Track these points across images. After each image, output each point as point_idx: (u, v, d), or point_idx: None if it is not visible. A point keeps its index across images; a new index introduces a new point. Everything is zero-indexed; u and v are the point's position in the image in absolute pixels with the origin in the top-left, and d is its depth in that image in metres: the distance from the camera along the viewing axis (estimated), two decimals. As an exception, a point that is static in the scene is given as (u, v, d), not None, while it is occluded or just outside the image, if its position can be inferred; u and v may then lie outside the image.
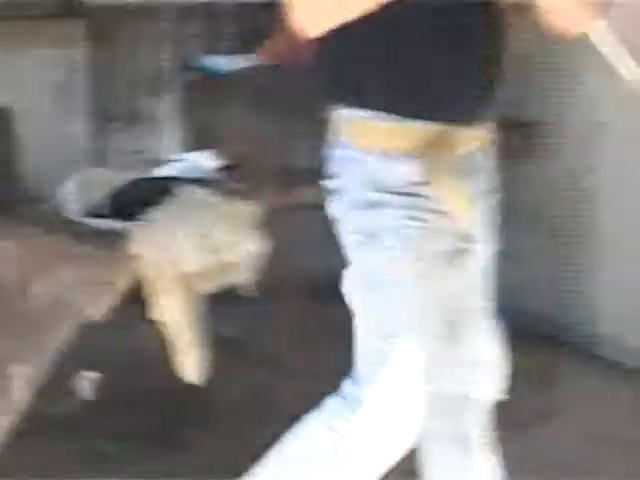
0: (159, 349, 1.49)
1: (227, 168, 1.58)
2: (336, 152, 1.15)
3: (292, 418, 1.09)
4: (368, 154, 1.10)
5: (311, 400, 1.08)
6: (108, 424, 1.64)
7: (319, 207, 1.68)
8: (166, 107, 1.99)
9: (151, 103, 2.01)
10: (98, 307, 1.37)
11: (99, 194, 1.58)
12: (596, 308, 1.99)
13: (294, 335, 1.60)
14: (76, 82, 2.13)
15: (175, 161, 1.64)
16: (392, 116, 1.09)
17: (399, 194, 1.11)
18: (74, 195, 1.58)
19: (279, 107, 1.54)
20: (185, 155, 1.65)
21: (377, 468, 1.11)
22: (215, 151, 1.59)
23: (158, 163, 1.61)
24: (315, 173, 1.66)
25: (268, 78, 1.59)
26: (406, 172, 1.09)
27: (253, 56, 1.70)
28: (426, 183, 1.08)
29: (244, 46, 1.78)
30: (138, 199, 1.56)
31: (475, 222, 1.11)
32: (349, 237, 1.14)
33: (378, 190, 1.12)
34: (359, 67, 1.06)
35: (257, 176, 1.56)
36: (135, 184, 1.60)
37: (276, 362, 1.75)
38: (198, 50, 1.88)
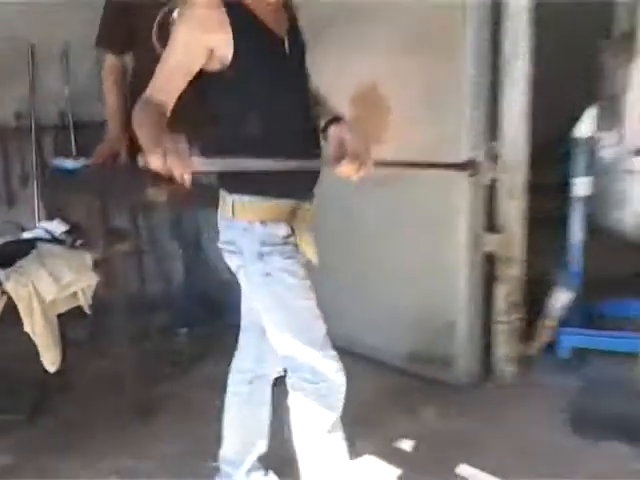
0: (30, 348, 2.19)
1: (71, 230, 2.39)
2: (228, 225, 1.69)
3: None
4: (253, 223, 1.65)
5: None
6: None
7: (134, 254, 2.52)
8: (32, 192, 2.84)
9: (23, 190, 2.87)
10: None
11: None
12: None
13: (122, 337, 2.44)
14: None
15: (37, 228, 2.44)
16: (267, 198, 1.64)
17: (279, 245, 1.67)
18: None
19: (104, 191, 2.39)
20: (44, 223, 2.45)
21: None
22: (63, 220, 2.42)
23: (25, 229, 2.42)
24: (130, 232, 2.51)
25: (97, 173, 2.46)
26: (280, 232, 1.66)
27: (89, 159, 2.57)
28: (291, 236, 1.68)
29: (83, 152, 2.66)
30: (12, 253, 2.35)
31: (312, 254, 1.73)
32: (251, 279, 1.69)
33: (265, 245, 1.66)
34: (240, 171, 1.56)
35: (90, 235, 2.38)
36: (9, 243, 2.38)
37: (111, 356, 2.60)
38: (55, 155, 2.73)
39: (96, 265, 2.31)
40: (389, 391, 2.55)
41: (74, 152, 2.82)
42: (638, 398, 2.31)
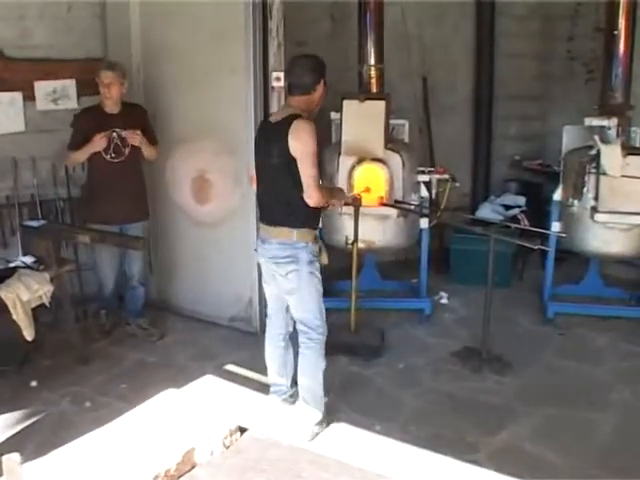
0: (16, 328, 3.67)
1: (37, 260, 4.09)
2: (290, 245, 2.97)
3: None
4: (308, 243, 2.99)
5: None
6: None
7: (75, 271, 4.41)
8: (16, 240, 4.52)
9: (12, 238, 4.51)
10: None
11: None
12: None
13: (69, 319, 4.27)
14: None
15: (17, 260, 4.11)
16: (312, 230, 3.03)
17: (316, 256, 3.05)
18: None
19: (55, 237, 4.26)
20: (22, 257, 3.98)
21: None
22: (33, 255, 4.13)
23: (11, 261, 4.04)
24: (71, 259, 4.37)
25: (51, 227, 4.33)
26: (316, 248, 3.04)
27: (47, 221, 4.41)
28: (319, 252, 3.09)
29: (45, 217, 4.48)
30: (3, 275, 3.95)
31: (325, 259, 3.16)
32: (303, 276, 3.00)
33: (313, 256, 3.02)
34: None
35: (48, 262, 4.12)
36: (1, 270, 4.10)
37: (63, 330, 4.32)
38: (29, 218, 4.38)
39: (52, 279, 3.91)
40: (220, 339, 4.51)
41: (39, 216, 4.50)
42: (348, 331, 4.39)
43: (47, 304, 3.96)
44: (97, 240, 4.17)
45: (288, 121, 2.98)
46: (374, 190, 4.41)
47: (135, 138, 4.18)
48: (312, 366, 3.24)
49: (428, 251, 4.83)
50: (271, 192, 3.07)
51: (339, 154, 4.49)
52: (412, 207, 4.59)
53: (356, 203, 4.16)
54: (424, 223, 4.71)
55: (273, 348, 3.38)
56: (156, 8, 4.45)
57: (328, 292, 5.04)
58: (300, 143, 2.93)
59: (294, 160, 2.94)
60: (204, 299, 4.73)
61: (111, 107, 4.21)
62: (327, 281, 4.85)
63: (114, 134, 4.17)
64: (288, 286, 3.09)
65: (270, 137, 3.03)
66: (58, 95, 4.64)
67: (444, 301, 5.21)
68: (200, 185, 4.64)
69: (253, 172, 3.33)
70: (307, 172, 2.96)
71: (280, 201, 3.03)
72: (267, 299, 3.42)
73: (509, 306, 4.97)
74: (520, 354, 4.29)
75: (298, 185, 3.00)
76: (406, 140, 4.98)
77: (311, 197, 3.00)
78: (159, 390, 3.31)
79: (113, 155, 4.21)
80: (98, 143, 4.13)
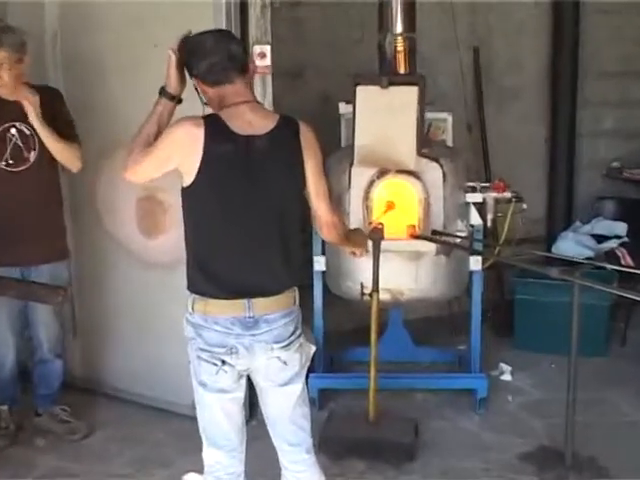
0: None
1: None
2: (294, 314, 3.08)
3: None
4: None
5: None
6: None
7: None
8: None
9: None
10: None
11: None
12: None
13: None
14: None
15: None
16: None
17: None
18: None
19: None
20: None
21: None
22: None
23: None
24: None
25: None
26: None
27: None
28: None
29: None
30: None
31: None
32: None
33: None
34: None
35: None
36: None
37: None
38: None
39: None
40: (177, 435, 4.54)
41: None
42: (366, 423, 4.53)
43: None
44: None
45: (288, 129, 3.07)
46: (402, 216, 4.48)
47: (28, 98, 4.14)
48: None
49: (482, 304, 4.88)
50: (257, 241, 3.06)
51: (351, 164, 4.58)
52: (458, 240, 4.62)
53: (376, 235, 4.21)
54: (476, 263, 4.76)
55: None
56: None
57: (335, 365, 5.18)
58: (315, 157, 3.13)
59: (305, 182, 3.12)
60: (153, 376, 4.76)
61: (7, 91, 4.19)
62: (333, 348, 5.11)
63: (12, 130, 4.21)
64: (288, 373, 3.13)
65: (264, 160, 3.01)
66: None
67: (507, 377, 5.26)
68: (149, 209, 4.72)
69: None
70: (324, 194, 3.18)
71: (274, 249, 3.07)
72: (223, 427, 3.21)
73: (605, 384, 5.00)
74: (622, 456, 4.30)
75: (302, 219, 3.17)
76: (449, 143, 5.05)
77: (334, 227, 3.27)
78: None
79: (11, 162, 4.23)
80: None
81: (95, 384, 5.07)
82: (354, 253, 3.65)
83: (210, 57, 3.00)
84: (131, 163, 3.07)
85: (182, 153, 2.94)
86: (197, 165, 2.90)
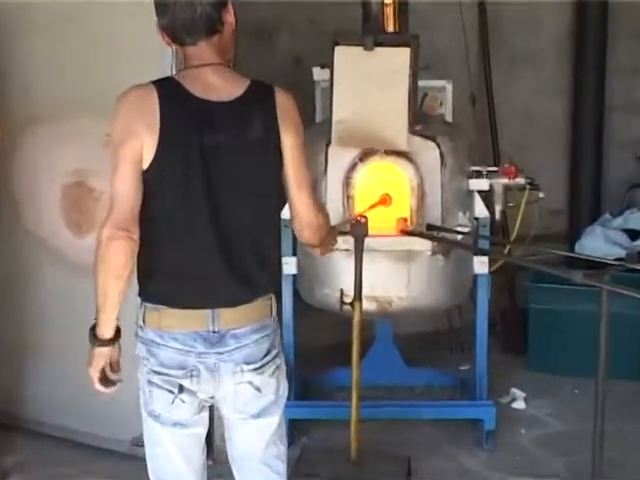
0: None
1: None
2: (270, 330, 3.03)
3: None
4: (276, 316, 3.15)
5: None
6: None
7: None
8: None
9: None
10: None
11: None
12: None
13: None
14: None
15: None
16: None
17: None
18: None
19: None
20: None
21: None
22: None
23: None
24: None
25: None
26: None
27: None
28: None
29: None
30: None
31: None
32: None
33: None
34: None
35: None
36: None
37: None
38: None
39: None
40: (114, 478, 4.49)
41: None
42: (347, 462, 4.39)
43: None
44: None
45: (261, 95, 3.03)
46: (391, 207, 4.44)
47: None
48: None
49: (489, 315, 4.88)
50: (223, 236, 3.02)
51: (328, 144, 4.54)
52: (459, 237, 4.62)
53: (358, 231, 4.18)
54: (481, 265, 4.79)
55: None
56: None
57: (309, 391, 5.11)
58: (296, 133, 3.05)
59: (282, 165, 3.04)
60: (86, 406, 4.66)
61: None
62: (307, 370, 4.91)
63: None
64: (262, 402, 3.10)
65: (230, 133, 2.99)
66: None
67: (519, 405, 5.27)
68: (77, 198, 4.73)
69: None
70: (307, 183, 3.12)
71: (246, 246, 3.04)
72: (179, 470, 3.14)
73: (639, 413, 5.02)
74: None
75: (277, 210, 3.17)
76: (448, 117, 5.04)
77: (317, 229, 3.18)
78: None
79: None
80: None
81: (11, 418, 5.06)
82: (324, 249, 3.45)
83: (173, 13, 2.94)
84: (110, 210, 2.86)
85: (142, 120, 2.84)
86: (157, 135, 2.82)
